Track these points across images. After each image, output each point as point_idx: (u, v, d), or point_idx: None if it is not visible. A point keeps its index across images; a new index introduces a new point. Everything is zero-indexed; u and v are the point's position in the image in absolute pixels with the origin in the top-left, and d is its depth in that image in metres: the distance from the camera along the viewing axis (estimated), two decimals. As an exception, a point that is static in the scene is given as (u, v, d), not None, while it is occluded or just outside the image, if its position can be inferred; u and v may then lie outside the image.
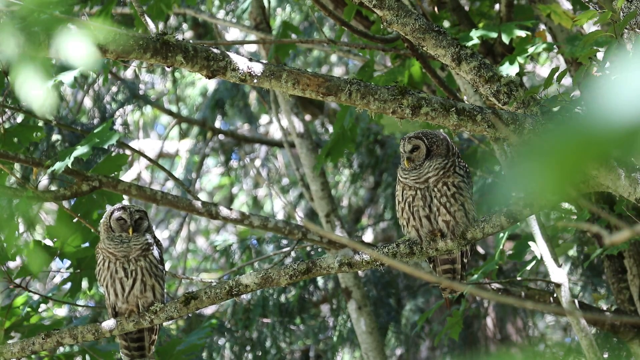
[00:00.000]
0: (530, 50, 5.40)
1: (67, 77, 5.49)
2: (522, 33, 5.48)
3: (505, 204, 3.93)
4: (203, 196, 12.15)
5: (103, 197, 5.44)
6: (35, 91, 2.85)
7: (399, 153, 4.25)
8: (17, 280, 5.38)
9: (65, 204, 5.52)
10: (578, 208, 5.94)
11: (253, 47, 9.88)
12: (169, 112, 10.74)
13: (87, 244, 5.47)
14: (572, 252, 8.24)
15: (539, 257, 5.55)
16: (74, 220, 5.40)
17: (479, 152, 6.70)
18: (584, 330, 5.37)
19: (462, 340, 9.14)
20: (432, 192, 4.09)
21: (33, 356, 5.43)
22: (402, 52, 5.81)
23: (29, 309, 5.64)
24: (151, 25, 3.87)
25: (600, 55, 4.01)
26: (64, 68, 5.57)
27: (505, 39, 5.48)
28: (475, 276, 5.55)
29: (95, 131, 5.24)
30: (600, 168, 3.68)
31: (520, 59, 5.33)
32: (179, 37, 3.63)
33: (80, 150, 5.11)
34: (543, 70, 9.74)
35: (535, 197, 3.78)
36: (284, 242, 8.84)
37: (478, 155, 6.65)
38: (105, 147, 5.15)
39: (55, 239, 5.42)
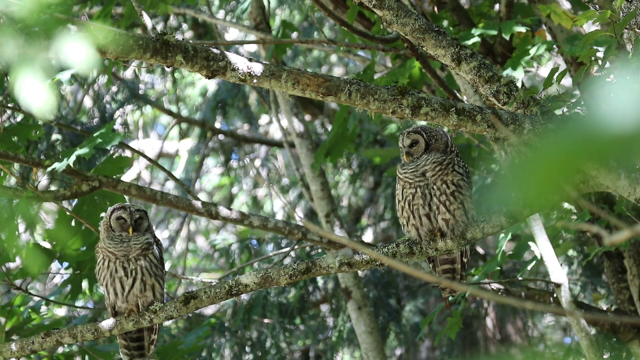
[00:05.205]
0: (532, 51, 5.40)
1: (65, 75, 5.49)
2: (522, 29, 5.48)
3: (505, 204, 3.93)
4: (203, 196, 12.15)
5: (105, 200, 5.44)
6: (35, 93, 2.85)
7: (399, 149, 4.26)
8: (17, 282, 5.38)
9: (65, 204, 5.52)
10: (578, 208, 5.94)
11: (253, 47, 9.88)
12: (169, 112, 10.74)
13: (86, 247, 5.48)
14: (572, 252, 8.24)
15: (539, 258, 5.56)
16: (75, 222, 5.40)
17: (475, 151, 6.70)
18: (584, 330, 5.37)
19: (461, 341, 9.14)
20: (432, 190, 4.10)
21: (32, 356, 5.43)
22: (402, 52, 5.81)
23: (30, 312, 5.64)
24: (147, 21, 3.87)
25: (600, 55, 4.01)
26: (63, 69, 5.57)
27: (505, 35, 5.48)
28: (477, 277, 5.55)
29: (96, 133, 5.25)
30: (600, 168, 3.68)
31: (523, 63, 5.34)
32: (179, 37, 3.63)
33: (82, 150, 5.12)
34: (543, 70, 9.74)
35: (534, 197, 3.78)
36: (284, 242, 8.84)
37: (474, 153, 6.64)
38: (107, 147, 5.16)
39: (54, 242, 5.43)
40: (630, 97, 1.50)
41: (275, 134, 11.62)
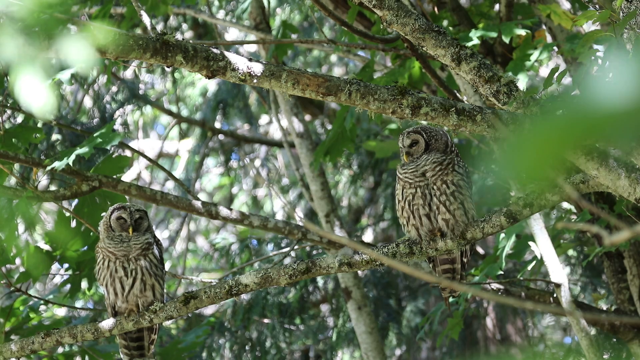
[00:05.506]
0: (534, 56, 5.41)
1: (64, 75, 5.49)
2: (522, 32, 5.48)
3: (501, 198, 3.94)
4: (203, 196, 12.15)
5: (105, 200, 5.44)
6: (35, 93, 2.85)
7: (399, 149, 4.26)
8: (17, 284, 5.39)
9: (65, 204, 5.52)
10: (578, 208, 5.94)
11: (253, 47, 9.88)
12: (169, 112, 10.74)
13: (86, 248, 5.48)
14: (572, 252, 8.24)
15: (539, 258, 5.55)
16: (76, 223, 5.40)
17: (475, 151, 6.70)
18: (584, 330, 5.37)
19: (461, 341, 9.14)
20: (432, 190, 4.10)
21: (32, 356, 5.43)
22: (402, 52, 5.81)
23: (29, 312, 5.64)
24: (147, 20, 3.87)
25: (600, 54, 4.02)
26: (63, 68, 5.57)
27: (505, 38, 5.49)
28: (477, 277, 5.55)
29: (96, 133, 5.25)
30: (600, 168, 3.68)
31: (527, 68, 5.35)
32: (179, 37, 3.63)
33: (82, 150, 5.12)
34: (543, 70, 9.74)
35: (522, 183, 3.80)
36: (284, 242, 8.84)
37: (474, 151, 6.64)
38: (107, 147, 5.17)
39: (54, 245, 5.43)
40: (624, 75, 1.50)
41: (275, 134, 11.63)
